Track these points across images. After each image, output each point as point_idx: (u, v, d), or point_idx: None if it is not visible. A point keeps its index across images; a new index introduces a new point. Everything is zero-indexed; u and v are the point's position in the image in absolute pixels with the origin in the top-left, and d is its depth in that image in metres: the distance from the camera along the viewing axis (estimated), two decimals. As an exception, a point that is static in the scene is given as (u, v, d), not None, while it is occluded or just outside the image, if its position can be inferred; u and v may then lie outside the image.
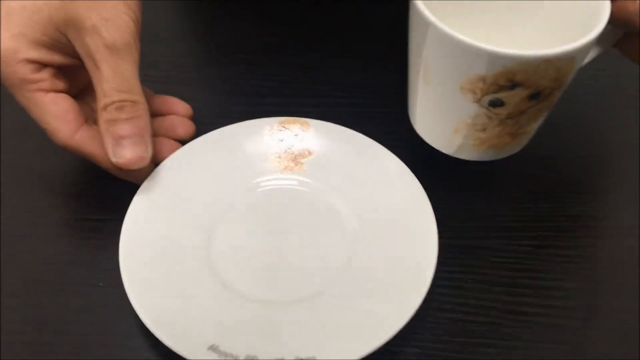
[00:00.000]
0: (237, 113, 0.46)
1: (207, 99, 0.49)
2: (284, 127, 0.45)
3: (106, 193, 0.43)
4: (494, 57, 0.33)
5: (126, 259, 0.37)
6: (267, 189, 0.44)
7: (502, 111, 0.36)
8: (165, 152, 0.42)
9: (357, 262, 0.39)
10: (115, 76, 0.35)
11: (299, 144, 0.44)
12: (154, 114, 0.43)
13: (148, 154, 0.37)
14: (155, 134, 0.41)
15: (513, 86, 0.34)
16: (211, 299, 0.37)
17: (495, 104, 0.35)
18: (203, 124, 0.45)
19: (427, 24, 0.34)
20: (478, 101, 0.35)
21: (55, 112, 0.37)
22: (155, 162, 0.42)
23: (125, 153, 0.36)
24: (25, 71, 0.36)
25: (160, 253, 0.38)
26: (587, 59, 0.37)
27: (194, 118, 0.46)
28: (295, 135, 0.45)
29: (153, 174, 0.42)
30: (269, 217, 0.42)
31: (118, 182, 0.41)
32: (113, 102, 0.36)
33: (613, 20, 0.36)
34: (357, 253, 0.39)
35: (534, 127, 0.39)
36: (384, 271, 0.38)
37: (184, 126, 0.44)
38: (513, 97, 0.35)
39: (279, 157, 0.44)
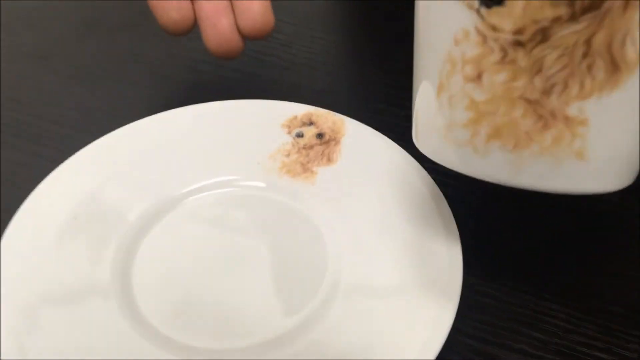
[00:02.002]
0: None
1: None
2: (310, 120, 0.33)
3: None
4: None
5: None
6: (238, 195, 0.31)
7: (504, 20, 0.19)
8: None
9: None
10: None
11: (321, 146, 0.32)
12: None
13: None
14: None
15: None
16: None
17: (491, -4, 0.19)
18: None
19: None
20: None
21: None
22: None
23: None
24: None
25: (50, 292, 0.26)
26: None
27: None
28: (320, 134, 0.32)
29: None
30: (225, 236, 0.29)
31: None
32: None
33: None
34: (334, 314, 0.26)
35: (593, 116, 0.19)
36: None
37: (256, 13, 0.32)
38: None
39: (287, 154, 0.32)
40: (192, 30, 0.31)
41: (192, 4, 0.32)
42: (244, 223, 0.30)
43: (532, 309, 0.27)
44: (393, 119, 0.34)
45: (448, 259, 0.26)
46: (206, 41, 0.32)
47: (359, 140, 0.31)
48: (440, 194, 0.28)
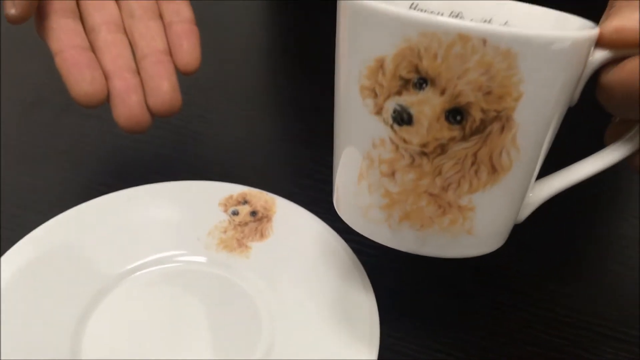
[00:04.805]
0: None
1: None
2: (244, 199, 0.36)
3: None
4: (388, 21, 0.23)
5: None
6: (180, 270, 0.34)
7: (412, 135, 0.24)
8: (156, 79, 0.34)
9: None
10: None
11: (254, 223, 0.35)
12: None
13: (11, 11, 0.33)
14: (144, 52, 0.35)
15: (421, 83, 0.23)
16: None
17: (402, 117, 0.24)
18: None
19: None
20: (379, 111, 0.24)
21: None
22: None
23: None
24: None
25: None
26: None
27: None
28: (253, 212, 0.36)
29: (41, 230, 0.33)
30: (167, 307, 0.32)
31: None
32: None
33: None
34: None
35: (478, 204, 0.25)
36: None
37: (189, 44, 0.35)
38: (423, 107, 0.23)
39: (224, 231, 0.35)
40: (103, 104, 0.33)
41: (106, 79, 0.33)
42: (186, 295, 0.32)
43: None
44: (318, 194, 0.38)
45: (367, 320, 0.29)
46: (116, 116, 0.33)
47: (288, 217, 0.35)
48: (358, 261, 0.32)
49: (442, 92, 0.22)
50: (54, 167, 0.41)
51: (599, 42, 0.24)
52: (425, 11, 0.29)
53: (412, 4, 0.29)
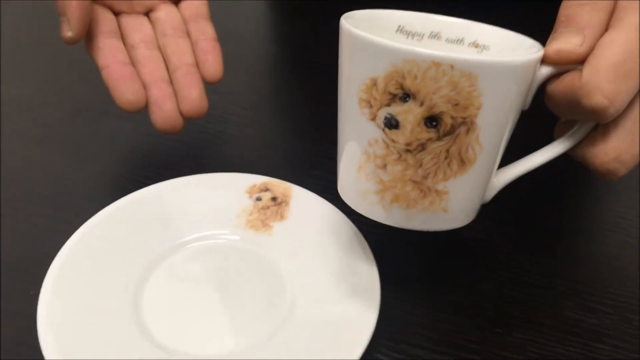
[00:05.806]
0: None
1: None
2: (266, 187, 0.43)
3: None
4: (379, 51, 0.30)
5: (47, 322, 0.33)
6: (217, 243, 0.41)
7: (399, 137, 0.31)
8: (186, 88, 0.40)
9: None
10: None
11: (275, 207, 0.42)
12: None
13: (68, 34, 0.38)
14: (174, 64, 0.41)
15: (405, 97, 0.30)
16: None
17: (391, 122, 0.31)
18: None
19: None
20: (374, 118, 0.32)
21: None
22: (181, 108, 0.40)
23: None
24: None
25: (84, 313, 0.34)
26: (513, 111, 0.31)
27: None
28: (274, 198, 0.42)
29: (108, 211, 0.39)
30: (210, 273, 0.39)
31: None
32: None
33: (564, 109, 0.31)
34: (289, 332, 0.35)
35: (451, 189, 0.32)
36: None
37: (214, 58, 0.41)
38: (407, 115, 0.31)
39: (250, 214, 0.41)
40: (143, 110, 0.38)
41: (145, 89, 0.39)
42: (226, 264, 0.39)
43: (432, 317, 0.37)
44: (327, 182, 0.41)
45: (369, 279, 0.36)
46: (153, 120, 0.39)
47: (304, 201, 0.41)
48: (362, 236, 0.39)
49: (421, 104, 0.30)
50: (99, 163, 0.47)
51: (544, 61, 0.31)
52: (410, 32, 0.36)
53: (399, 26, 0.36)
